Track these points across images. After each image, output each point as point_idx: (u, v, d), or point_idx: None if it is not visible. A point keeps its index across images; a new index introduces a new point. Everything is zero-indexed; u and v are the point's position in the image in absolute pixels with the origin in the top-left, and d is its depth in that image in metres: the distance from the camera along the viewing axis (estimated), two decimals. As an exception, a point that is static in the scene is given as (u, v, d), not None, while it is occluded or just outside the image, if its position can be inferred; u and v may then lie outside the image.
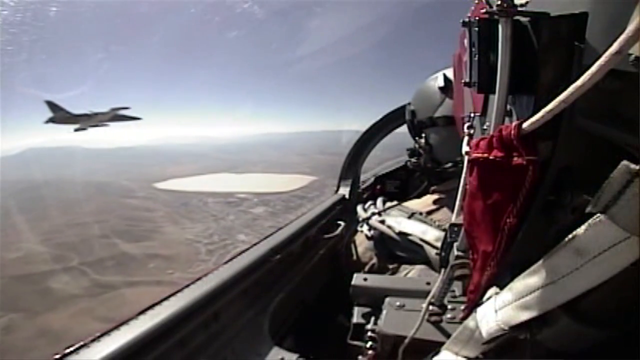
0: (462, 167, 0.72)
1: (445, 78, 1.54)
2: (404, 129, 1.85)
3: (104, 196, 37.95)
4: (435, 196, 1.61)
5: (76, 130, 39.30)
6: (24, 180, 43.33)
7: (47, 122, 37.71)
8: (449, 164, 1.56)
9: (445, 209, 1.52)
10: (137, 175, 50.78)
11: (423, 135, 1.64)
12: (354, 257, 1.65)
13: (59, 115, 37.60)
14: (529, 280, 0.54)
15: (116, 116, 41.08)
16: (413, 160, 1.71)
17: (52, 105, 37.50)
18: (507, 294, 0.59)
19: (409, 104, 1.72)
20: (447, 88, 1.52)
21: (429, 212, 1.53)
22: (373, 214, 1.64)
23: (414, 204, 1.61)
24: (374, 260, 1.55)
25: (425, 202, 1.61)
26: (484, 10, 0.52)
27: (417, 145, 1.68)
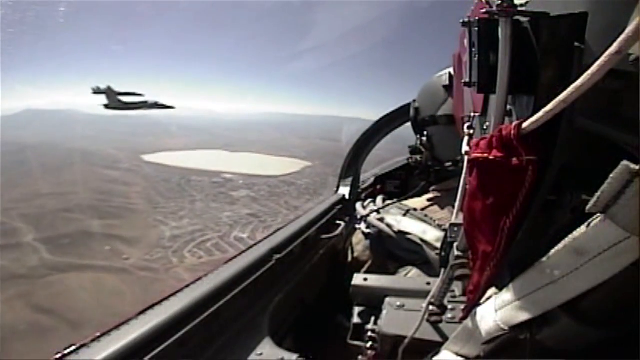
0: (462, 167, 0.73)
1: (450, 76, 1.53)
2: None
3: (86, 165, 36.83)
4: (435, 195, 1.61)
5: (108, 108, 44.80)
6: (10, 142, 42.32)
7: (103, 105, 44.48)
8: (449, 163, 1.56)
9: (445, 208, 1.52)
10: (127, 145, 49.72)
11: (425, 133, 1.64)
12: (354, 257, 1.65)
13: (113, 102, 44.15)
14: (529, 280, 0.54)
15: (156, 105, 47.95)
16: (414, 157, 1.72)
17: (109, 92, 43.96)
18: (507, 294, 0.59)
19: (414, 101, 1.72)
20: (452, 87, 1.52)
21: (429, 211, 1.53)
22: (372, 211, 1.63)
23: (413, 203, 1.61)
24: (374, 258, 1.55)
25: (425, 201, 1.60)
26: (484, 10, 0.52)
27: (419, 143, 1.68)
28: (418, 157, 1.69)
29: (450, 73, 1.54)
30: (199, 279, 1.18)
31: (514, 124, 0.50)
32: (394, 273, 1.46)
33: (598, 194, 0.40)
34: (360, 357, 1.08)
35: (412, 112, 1.70)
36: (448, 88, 1.55)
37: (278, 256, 1.42)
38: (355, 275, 1.27)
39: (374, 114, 2.52)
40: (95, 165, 37.53)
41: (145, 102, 47.40)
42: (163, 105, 49.40)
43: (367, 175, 2.70)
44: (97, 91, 45.86)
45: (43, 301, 15.18)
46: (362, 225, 1.65)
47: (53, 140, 48.05)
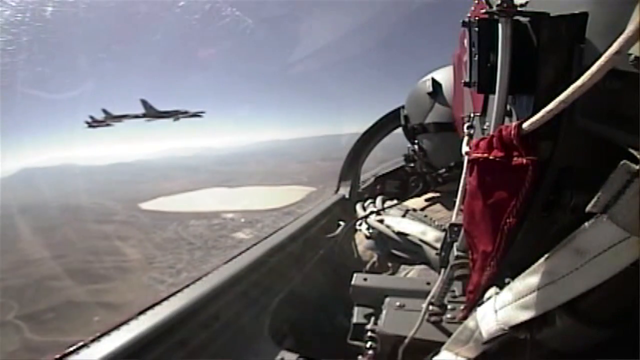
0: (457, 172, 0.72)
1: (434, 82, 1.51)
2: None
3: (79, 223, 33.87)
4: (435, 195, 1.61)
5: (146, 116, 49.23)
6: (4, 205, 40.48)
7: (140, 116, 48.74)
8: (443, 170, 1.55)
9: (445, 209, 1.52)
10: (123, 194, 47.59)
11: (416, 141, 1.63)
12: (354, 257, 1.64)
13: (149, 112, 48.15)
14: (529, 280, 0.54)
15: (186, 113, 51.23)
16: (410, 165, 1.72)
17: (145, 104, 47.95)
18: (507, 294, 0.59)
19: (403, 107, 1.71)
20: (436, 93, 1.51)
21: (429, 211, 1.53)
22: (372, 212, 1.63)
23: (413, 203, 1.61)
24: (374, 259, 1.55)
25: (424, 201, 1.60)
26: (484, 10, 0.52)
27: (412, 151, 1.68)
28: (412, 164, 1.69)
29: (433, 79, 1.52)
30: (199, 278, 1.18)
31: (514, 124, 0.50)
32: (394, 273, 1.45)
33: (598, 194, 0.40)
34: (360, 357, 1.08)
35: (402, 119, 1.69)
36: (432, 95, 1.52)
37: (278, 256, 1.42)
38: (355, 275, 1.26)
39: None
40: (89, 222, 34.54)
41: (177, 110, 51.01)
42: (192, 113, 52.74)
43: (367, 175, 2.70)
44: (92, 123, 48.19)
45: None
46: (363, 226, 1.65)
47: (47, 199, 45.31)
